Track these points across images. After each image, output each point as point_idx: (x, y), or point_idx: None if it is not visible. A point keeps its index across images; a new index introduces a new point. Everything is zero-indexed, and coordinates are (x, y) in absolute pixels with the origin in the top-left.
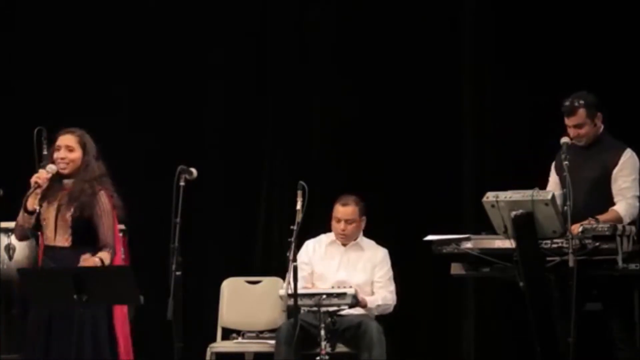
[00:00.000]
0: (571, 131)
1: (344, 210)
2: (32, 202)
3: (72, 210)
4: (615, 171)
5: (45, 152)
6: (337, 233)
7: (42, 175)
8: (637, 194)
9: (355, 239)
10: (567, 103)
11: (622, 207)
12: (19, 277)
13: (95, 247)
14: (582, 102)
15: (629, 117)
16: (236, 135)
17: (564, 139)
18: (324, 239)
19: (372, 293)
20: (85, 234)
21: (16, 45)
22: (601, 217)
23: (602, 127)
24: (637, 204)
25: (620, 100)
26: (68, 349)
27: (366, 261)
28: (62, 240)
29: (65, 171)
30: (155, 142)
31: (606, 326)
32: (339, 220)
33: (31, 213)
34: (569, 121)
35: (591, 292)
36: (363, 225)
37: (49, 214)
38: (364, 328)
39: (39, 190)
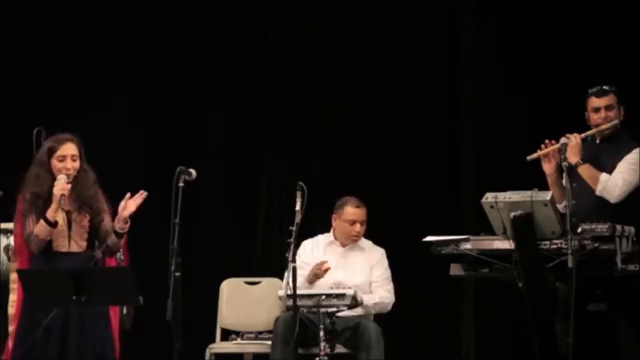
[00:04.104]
0: (600, 114)
1: (359, 212)
2: (54, 214)
3: (88, 217)
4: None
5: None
6: (351, 235)
7: (65, 187)
8: (629, 178)
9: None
10: (596, 88)
11: (607, 176)
12: (19, 278)
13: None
14: (613, 87)
15: (632, 117)
16: (236, 136)
17: (564, 139)
18: (322, 239)
19: (370, 292)
20: (96, 238)
21: (16, 46)
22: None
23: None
24: (620, 184)
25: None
26: (81, 349)
27: (364, 262)
28: (77, 246)
29: (70, 179)
30: (155, 142)
31: (611, 327)
32: (353, 223)
33: (55, 225)
34: (600, 101)
35: (595, 293)
36: None
37: (57, 216)
38: (363, 329)
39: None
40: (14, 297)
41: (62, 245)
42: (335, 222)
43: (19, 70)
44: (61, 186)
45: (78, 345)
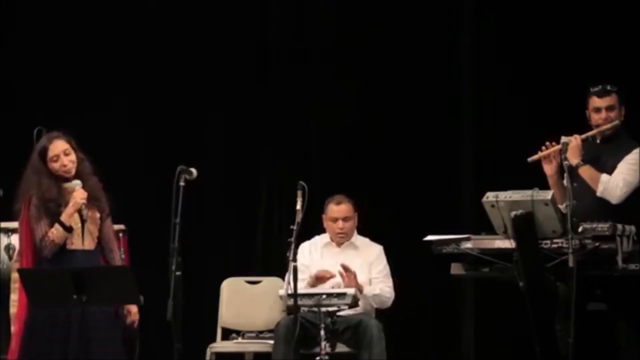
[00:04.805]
0: (601, 114)
1: (340, 209)
2: (69, 219)
3: (98, 212)
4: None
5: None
6: (335, 233)
7: (84, 195)
8: (629, 179)
9: (349, 238)
10: (598, 87)
11: (608, 177)
12: (19, 277)
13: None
14: (614, 87)
15: (632, 117)
16: (236, 136)
17: (564, 139)
18: (319, 240)
19: None
20: (102, 232)
21: (16, 45)
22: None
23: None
24: (621, 185)
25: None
26: (89, 347)
27: (362, 260)
28: (90, 243)
29: (72, 174)
30: (155, 142)
31: (611, 327)
32: (335, 220)
33: (70, 230)
34: (602, 102)
35: (595, 293)
36: (356, 221)
37: (73, 219)
38: (364, 326)
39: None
40: (15, 297)
41: (77, 242)
42: (324, 222)
43: (19, 70)
44: (82, 194)
45: (86, 345)
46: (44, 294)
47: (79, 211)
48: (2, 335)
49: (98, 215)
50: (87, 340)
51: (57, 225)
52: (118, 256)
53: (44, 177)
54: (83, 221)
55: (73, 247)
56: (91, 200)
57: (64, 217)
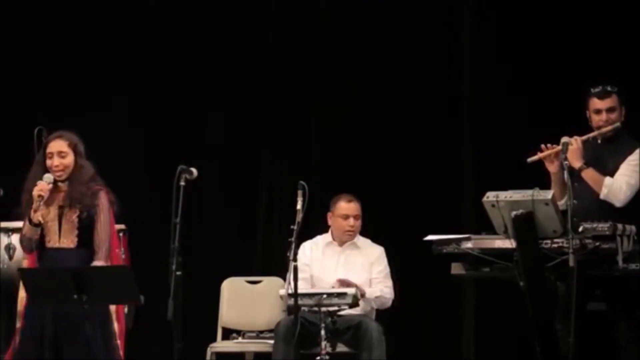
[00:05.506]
0: (602, 116)
1: (351, 207)
2: (37, 215)
3: (77, 212)
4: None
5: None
6: (345, 230)
7: (44, 188)
8: (632, 181)
9: (354, 237)
10: (598, 88)
11: (611, 180)
12: (20, 277)
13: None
14: (615, 88)
15: (633, 116)
16: (236, 135)
17: (564, 139)
18: (320, 240)
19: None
20: (89, 234)
21: (16, 45)
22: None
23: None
24: (624, 188)
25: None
26: (79, 348)
27: (363, 260)
28: (68, 241)
29: (62, 177)
30: (155, 142)
31: (611, 326)
32: (346, 217)
33: (38, 225)
34: (602, 104)
35: (595, 292)
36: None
37: (50, 216)
38: (365, 328)
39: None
40: (23, 294)
41: (53, 240)
42: (330, 220)
43: (19, 70)
44: (40, 187)
45: (75, 349)
46: (44, 293)
47: (60, 208)
48: (2, 336)
49: (76, 214)
50: (66, 343)
51: (26, 221)
52: (103, 256)
53: (40, 171)
54: (60, 219)
55: (50, 244)
56: (73, 202)
57: (33, 214)
